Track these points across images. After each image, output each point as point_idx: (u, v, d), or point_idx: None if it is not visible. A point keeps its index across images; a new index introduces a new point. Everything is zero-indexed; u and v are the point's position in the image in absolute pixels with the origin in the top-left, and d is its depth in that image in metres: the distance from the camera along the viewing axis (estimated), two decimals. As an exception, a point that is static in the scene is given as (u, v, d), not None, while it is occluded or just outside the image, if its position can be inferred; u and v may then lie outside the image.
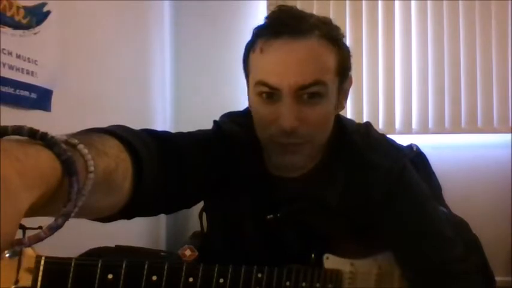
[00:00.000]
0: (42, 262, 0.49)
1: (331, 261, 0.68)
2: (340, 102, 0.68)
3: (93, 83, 1.49)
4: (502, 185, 2.17)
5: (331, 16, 0.69)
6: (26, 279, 0.48)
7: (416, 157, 0.90)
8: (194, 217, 0.98)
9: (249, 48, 0.66)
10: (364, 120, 2.32)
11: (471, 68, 2.26)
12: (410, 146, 0.92)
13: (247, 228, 0.73)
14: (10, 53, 1.05)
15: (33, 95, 1.16)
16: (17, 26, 1.07)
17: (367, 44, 2.28)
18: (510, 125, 2.22)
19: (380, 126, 2.24)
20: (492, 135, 2.23)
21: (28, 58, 1.12)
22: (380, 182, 0.68)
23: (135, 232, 1.86)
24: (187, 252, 1.62)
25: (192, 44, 2.35)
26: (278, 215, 0.68)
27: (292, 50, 0.60)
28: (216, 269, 0.58)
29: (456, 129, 2.23)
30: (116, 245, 1.42)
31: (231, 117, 0.77)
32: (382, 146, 0.73)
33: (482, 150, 2.24)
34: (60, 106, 1.26)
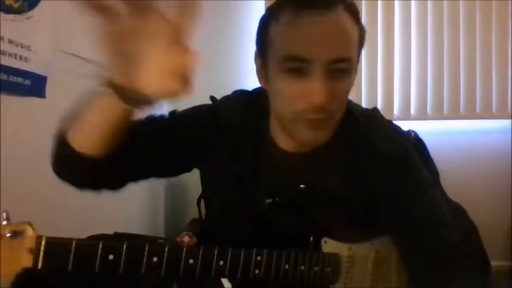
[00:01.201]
0: (43, 242, 0.50)
1: (329, 245, 0.68)
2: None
3: (88, 69, 1.47)
4: (501, 171, 2.18)
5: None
6: (27, 259, 0.49)
7: (414, 143, 0.90)
8: (192, 204, 0.98)
9: (269, 20, 0.63)
10: (363, 106, 2.31)
11: (470, 54, 2.24)
12: (408, 132, 0.92)
13: (245, 213, 0.73)
14: (2, 38, 1.03)
15: (27, 82, 1.14)
16: (8, 10, 1.05)
17: (366, 30, 2.24)
18: (509, 111, 2.21)
19: (378, 112, 2.23)
20: (491, 121, 2.23)
21: (21, 43, 1.10)
22: (381, 166, 0.68)
23: (134, 219, 1.86)
24: (186, 239, 1.63)
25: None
26: (276, 199, 0.68)
27: (324, 23, 0.58)
28: (216, 252, 0.59)
29: (455, 115, 2.23)
30: (114, 232, 1.42)
31: (238, 96, 0.77)
32: (387, 131, 0.73)
33: (480, 136, 2.24)
34: (55, 92, 1.25)
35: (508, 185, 2.16)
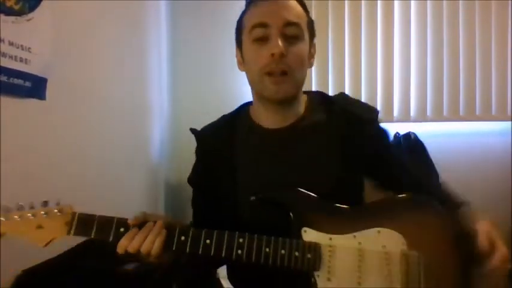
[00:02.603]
0: (76, 217, 0.69)
1: (309, 235, 0.72)
2: (309, 59, 0.86)
3: (88, 71, 1.47)
4: (501, 173, 2.18)
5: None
6: (63, 230, 0.69)
7: (414, 145, 0.91)
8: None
9: (242, 15, 0.86)
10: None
11: (470, 56, 2.25)
12: (408, 134, 0.94)
13: (233, 206, 0.83)
14: (2, 40, 1.03)
15: (28, 83, 1.14)
16: (9, 12, 1.05)
17: (366, 32, 2.25)
18: (509, 113, 2.21)
19: (378, 114, 2.23)
20: (490, 123, 2.23)
21: (21, 45, 1.10)
22: (365, 129, 0.85)
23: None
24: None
25: (188, 33, 2.33)
26: (260, 196, 0.76)
27: (278, 2, 0.81)
28: (204, 232, 0.71)
29: (454, 117, 2.23)
30: (114, 234, 1.42)
31: (212, 123, 0.94)
32: (358, 103, 0.92)
33: (480, 138, 2.24)
34: (55, 94, 1.25)
35: (508, 187, 2.16)
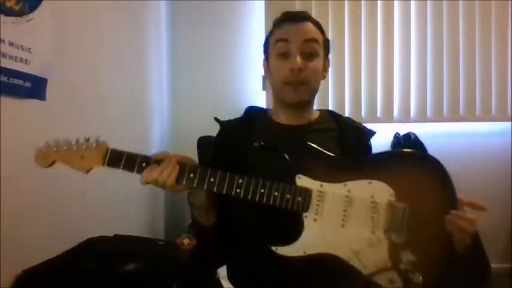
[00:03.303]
0: (109, 152, 0.80)
1: (302, 181, 0.81)
2: (323, 72, 0.99)
3: (88, 71, 1.47)
4: (501, 173, 2.18)
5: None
6: (99, 162, 0.80)
7: (414, 145, 0.92)
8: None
9: (269, 35, 1.00)
10: (363, 108, 2.33)
11: (470, 57, 2.25)
12: (408, 134, 0.95)
13: (242, 157, 0.93)
14: (2, 41, 1.03)
15: (28, 84, 1.14)
16: (9, 12, 1.05)
17: (366, 32, 2.26)
18: (508, 113, 2.22)
19: (378, 114, 2.24)
20: (490, 123, 2.23)
21: (21, 46, 1.10)
22: (364, 138, 1.01)
23: (134, 221, 1.86)
24: (186, 241, 1.63)
25: (188, 33, 2.33)
26: (262, 143, 0.86)
27: (298, 24, 0.95)
28: (209, 171, 0.80)
29: (454, 117, 2.23)
30: (114, 234, 1.42)
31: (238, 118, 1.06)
32: (354, 120, 1.07)
33: (480, 138, 2.24)
34: (55, 94, 1.25)
35: (508, 187, 2.17)
